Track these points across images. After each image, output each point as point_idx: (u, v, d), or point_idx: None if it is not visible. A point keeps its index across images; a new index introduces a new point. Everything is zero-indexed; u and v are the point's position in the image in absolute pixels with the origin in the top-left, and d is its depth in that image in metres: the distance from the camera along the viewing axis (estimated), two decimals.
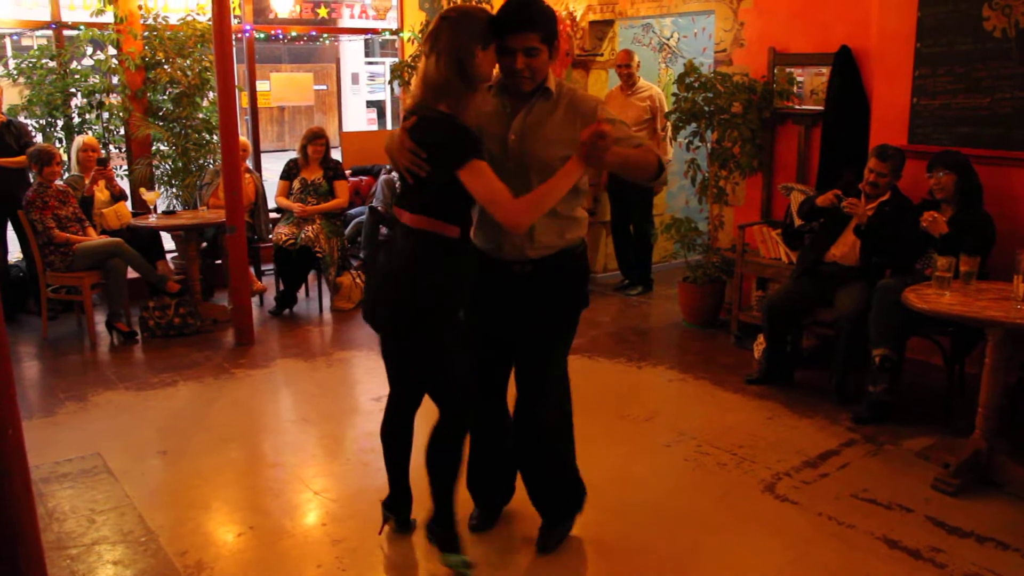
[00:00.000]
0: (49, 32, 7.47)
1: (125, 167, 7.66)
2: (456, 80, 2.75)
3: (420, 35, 8.14)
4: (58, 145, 7.04)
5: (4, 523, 2.43)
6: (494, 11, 2.86)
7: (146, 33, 7.32)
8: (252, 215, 7.03)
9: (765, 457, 4.17)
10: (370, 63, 22.08)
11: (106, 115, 7.39)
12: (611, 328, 6.39)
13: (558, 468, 3.38)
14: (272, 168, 9.31)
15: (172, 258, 7.36)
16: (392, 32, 9.20)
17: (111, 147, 7.53)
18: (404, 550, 3.39)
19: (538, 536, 3.40)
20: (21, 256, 6.87)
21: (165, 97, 7.49)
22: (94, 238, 6.22)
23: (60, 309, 6.70)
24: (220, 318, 6.55)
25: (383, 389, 3.25)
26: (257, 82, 8.41)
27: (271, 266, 7.16)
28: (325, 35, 10.38)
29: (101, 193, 6.64)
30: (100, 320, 6.33)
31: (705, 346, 5.94)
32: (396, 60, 9.03)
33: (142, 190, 7.01)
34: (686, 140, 6.20)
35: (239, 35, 7.88)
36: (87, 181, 6.57)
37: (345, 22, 16.99)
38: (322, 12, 11.85)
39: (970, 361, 4.64)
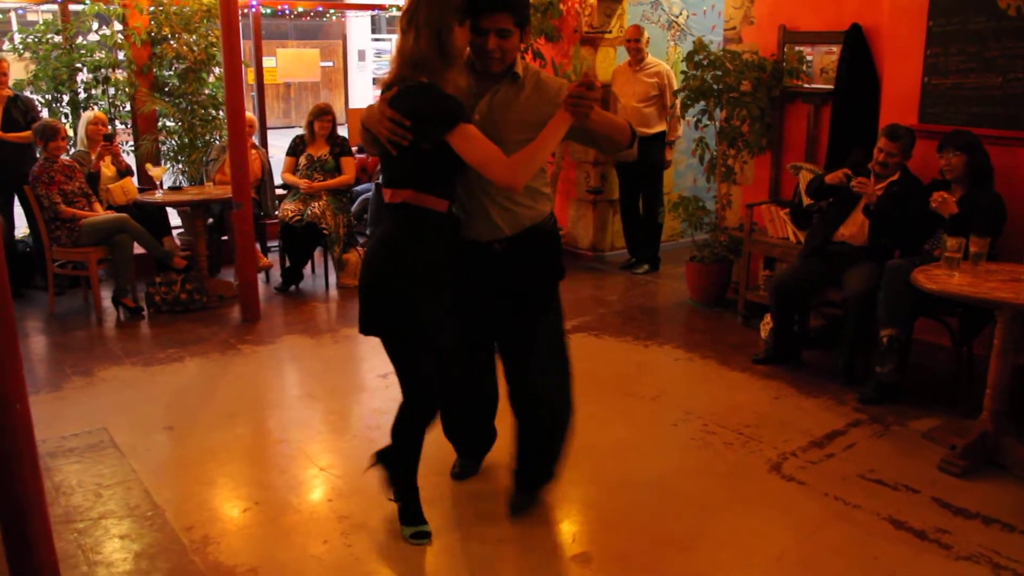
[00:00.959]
0: (55, 7, 7.43)
1: (131, 143, 7.64)
2: (435, 55, 2.78)
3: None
4: (64, 120, 7.02)
5: (13, 497, 2.45)
6: None
7: (152, 8, 7.28)
8: (258, 191, 7.02)
9: (771, 437, 4.17)
10: (376, 39, 21.98)
11: (112, 90, 7.38)
12: (618, 307, 6.38)
13: (551, 439, 3.42)
14: (278, 145, 9.29)
15: (178, 234, 7.36)
16: (399, 9, 9.13)
17: (117, 123, 7.51)
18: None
19: (512, 500, 3.48)
20: (28, 231, 6.87)
21: (171, 73, 7.46)
22: (100, 213, 6.21)
23: (67, 284, 6.71)
24: (226, 294, 6.55)
25: (389, 366, 3.24)
26: (263, 58, 8.38)
27: (277, 242, 7.15)
28: (331, 11, 10.29)
29: (107, 169, 6.63)
30: (106, 295, 6.33)
31: (712, 325, 5.93)
32: None
33: (148, 166, 7.00)
34: (694, 118, 6.15)
35: (245, 10, 7.84)
36: (93, 156, 6.56)
37: None
38: None
39: (978, 343, 4.62)
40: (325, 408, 4.60)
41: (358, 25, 20.99)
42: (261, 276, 6.85)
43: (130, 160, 7.18)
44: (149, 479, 3.76)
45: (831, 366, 4.96)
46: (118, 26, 7.34)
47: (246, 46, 7.28)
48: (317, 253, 7.21)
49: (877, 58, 5.35)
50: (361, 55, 21.39)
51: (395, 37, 2.98)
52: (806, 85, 5.85)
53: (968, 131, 4.53)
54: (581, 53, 7.40)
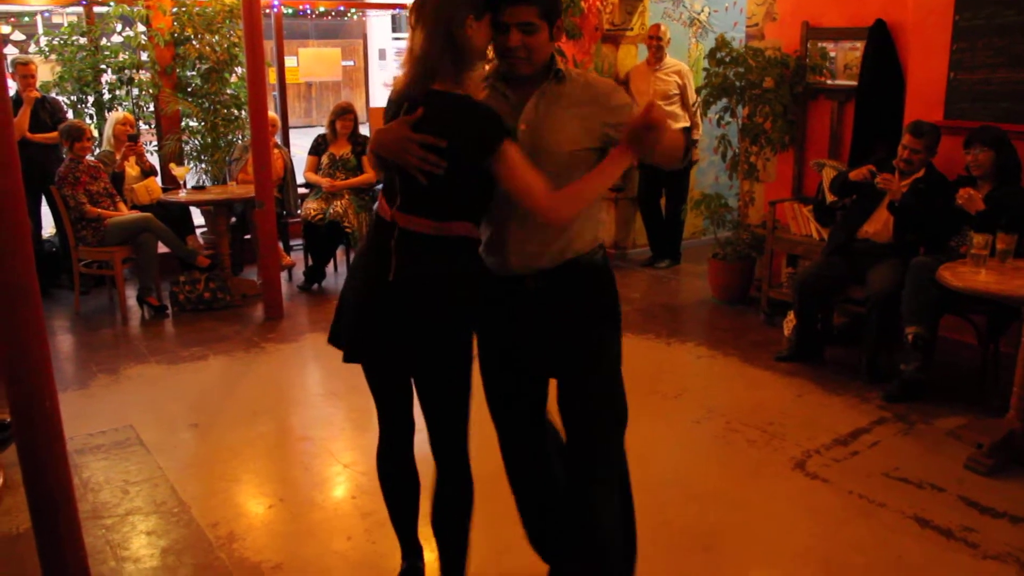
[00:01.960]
0: (79, 9, 7.50)
1: (155, 143, 7.70)
2: (446, 56, 2.34)
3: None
4: (89, 121, 7.08)
5: (43, 492, 2.48)
6: None
7: (175, 9, 7.33)
8: (281, 190, 7.05)
9: (795, 434, 4.15)
10: (397, 38, 22.06)
11: (136, 91, 7.44)
12: (640, 304, 6.37)
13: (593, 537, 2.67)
14: (300, 144, 9.33)
15: (202, 233, 7.41)
16: None
17: (141, 123, 7.57)
18: None
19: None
20: (54, 231, 6.95)
21: (194, 73, 7.50)
22: (125, 213, 6.26)
23: (92, 284, 6.78)
24: (249, 292, 6.59)
25: None
26: (285, 58, 8.41)
27: (300, 241, 7.20)
28: (352, 10, 10.32)
29: (132, 168, 6.69)
30: (131, 295, 6.38)
31: (734, 323, 5.91)
32: None
33: (172, 165, 7.05)
34: (716, 116, 6.13)
35: (267, 10, 7.87)
36: (118, 157, 6.61)
37: None
38: None
39: (1005, 340, 4.57)
40: (348, 405, 4.62)
41: (379, 24, 21.08)
42: (284, 274, 6.88)
43: (154, 160, 7.24)
44: (175, 476, 3.79)
45: (855, 364, 4.93)
46: (141, 27, 7.40)
47: (268, 46, 7.30)
48: (339, 251, 7.24)
49: (901, 54, 5.31)
50: (382, 54, 21.47)
51: None
52: (829, 81, 5.81)
53: (996, 127, 4.49)
54: (602, 51, 7.38)
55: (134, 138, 6.74)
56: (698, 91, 6.32)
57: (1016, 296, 3.63)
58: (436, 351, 2.46)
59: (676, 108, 6.97)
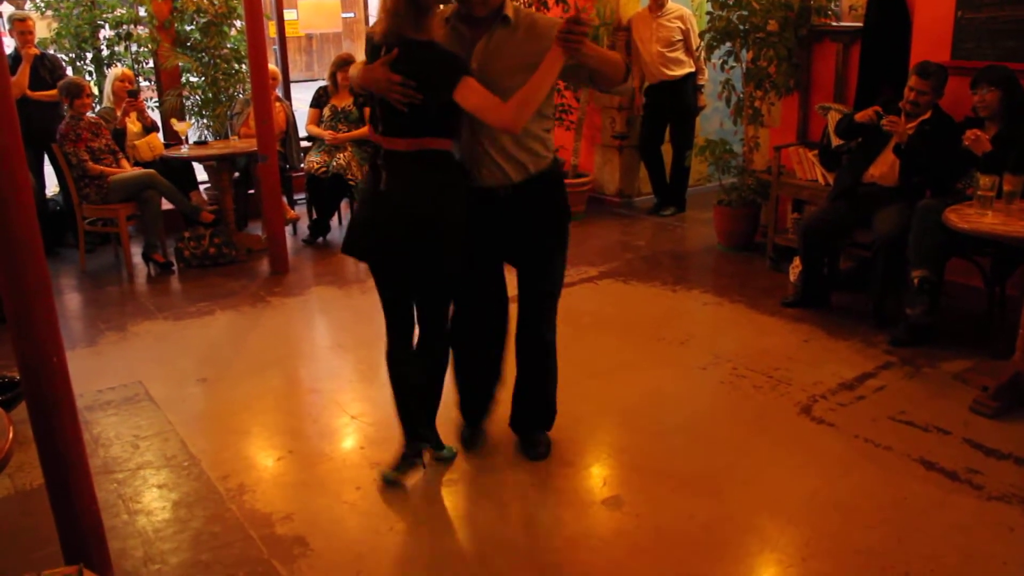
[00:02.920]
0: None
1: (155, 99, 7.65)
2: (410, 11, 2.77)
3: None
4: (88, 78, 7.02)
5: (55, 448, 2.50)
6: None
7: None
8: (283, 144, 7.02)
9: (801, 380, 4.16)
10: None
11: (134, 47, 7.36)
12: (646, 252, 6.35)
13: (550, 384, 3.53)
14: (301, 98, 9.24)
15: (205, 189, 7.38)
16: None
17: (140, 79, 7.51)
18: (440, 471, 3.44)
19: (524, 447, 3.54)
20: (58, 190, 6.93)
21: (193, 27, 7.42)
22: (128, 170, 6.24)
23: (97, 241, 6.79)
24: (254, 247, 6.59)
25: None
26: (284, 10, 8.31)
27: (303, 195, 7.17)
28: None
29: (133, 125, 6.65)
30: (136, 252, 6.39)
31: (740, 269, 5.89)
32: None
33: (173, 121, 7.02)
34: (720, 60, 6.06)
35: None
36: (119, 113, 6.57)
37: None
38: None
39: (1011, 283, 4.56)
40: (355, 357, 4.64)
41: None
42: (288, 228, 6.87)
43: (155, 116, 7.20)
44: (184, 430, 3.82)
45: (861, 308, 4.92)
46: None
47: None
48: (344, 204, 7.23)
49: None
50: None
51: None
52: (834, 23, 5.72)
53: (1003, 66, 4.42)
54: None
55: (134, 94, 6.68)
56: (701, 35, 6.24)
57: (1022, 237, 3.60)
58: (425, 244, 2.98)
59: (680, 54, 6.89)
